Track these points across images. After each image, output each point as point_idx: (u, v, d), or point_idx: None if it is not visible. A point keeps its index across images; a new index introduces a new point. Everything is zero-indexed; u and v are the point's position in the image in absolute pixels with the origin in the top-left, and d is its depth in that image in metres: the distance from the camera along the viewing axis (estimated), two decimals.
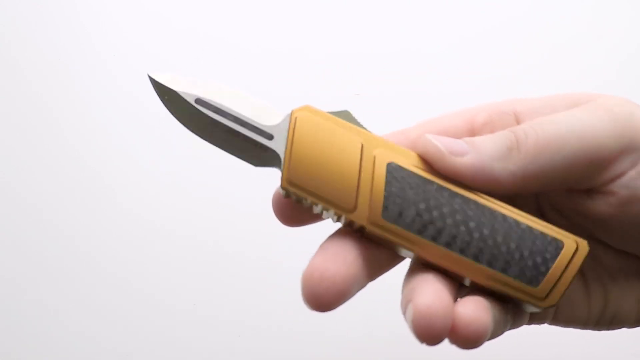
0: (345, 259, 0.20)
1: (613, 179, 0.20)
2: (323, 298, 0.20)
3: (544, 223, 0.20)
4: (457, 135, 0.24)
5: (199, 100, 0.22)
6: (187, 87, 0.22)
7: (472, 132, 0.24)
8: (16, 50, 0.60)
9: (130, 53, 0.59)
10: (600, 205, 0.21)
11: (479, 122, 0.24)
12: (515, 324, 0.22)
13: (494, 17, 0.59)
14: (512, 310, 0.21)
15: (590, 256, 0.22)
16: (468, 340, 0.19)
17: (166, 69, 0.61)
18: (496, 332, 0.20)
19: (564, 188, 0.22)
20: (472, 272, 0.20)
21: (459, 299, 0.20)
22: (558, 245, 0.20)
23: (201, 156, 0.55)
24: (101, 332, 0.53)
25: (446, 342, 0.20)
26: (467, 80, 0.57)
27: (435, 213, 0.20)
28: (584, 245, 0.20)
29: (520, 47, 0.58)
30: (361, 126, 0.21)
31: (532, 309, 0.20)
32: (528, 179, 0.20)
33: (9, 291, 0.54)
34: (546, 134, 0.20)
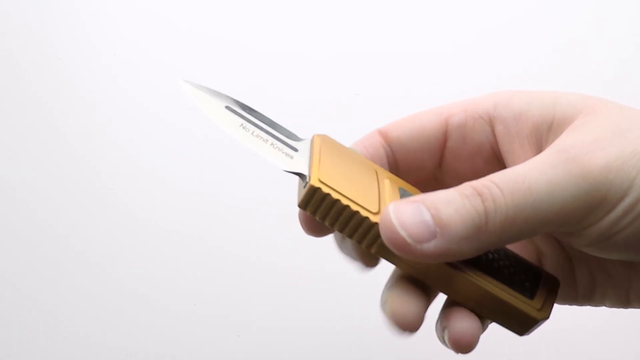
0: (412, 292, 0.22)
1: (579, 229, 0.21)
2: (409, 326, 0.22)
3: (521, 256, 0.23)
4: (432, 137, 0.25)
5: (228, 107, 0.23)
6: (217, 97, 0.24)
7: (445, 133, 0.25)
8: (16, 50, 0.60)
9: (130, 53, 0.59)
10: (569, 240, 0.22)
11: (453, 125, 0.25)
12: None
13: (495, 17, 0.59)
14: (484, 323, 0.23)
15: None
16: (463, 349, 0.21)
17: (170, 71, 0.61)
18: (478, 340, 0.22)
19: None
20: (481, 281, 0.21)
21: (450, 314, 0.22)
22: (539, 271, 0.23)
23: (201, 156, 0.55)
24: (102, 332, 0.53)
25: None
26: (467, 80, 0.57)
27: None
28: (556, 279, 0.23)
29: (521, 47, 0.58)
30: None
31: (516, 324, 0.22)
32: (491, 248, 0.21)
33: (10, 291, 0.54)
34: (516, 206, 0.19)
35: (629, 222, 0.20)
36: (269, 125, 0.23)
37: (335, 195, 0.20)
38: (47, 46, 0.59)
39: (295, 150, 0.22)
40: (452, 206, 0.19)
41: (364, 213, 0.20)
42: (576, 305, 0.25)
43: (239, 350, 0.52)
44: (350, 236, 0.21)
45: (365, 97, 0.57)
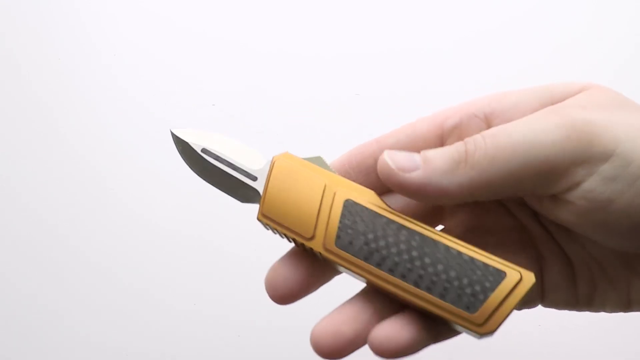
0: (296, 267, 0.24)
1: (568, 189, 0.20)
2: (277, 294, 0.24)
3: (491, 256, 0.22)
4: (427, 141, 0.25)
5: (204, 150, 0.27)
6: (197, 140, 0.27)
7: (442, 137, 0.25)
8: (17, 50, 0.60)
9: (130, 53, 0.59)
10: (563, 212, 0.21)
11: (448, 127, 0.25)
12: (443, 338, 0.23)
13: (495, 17, 0.59)
14: (438, 327, 0.22)
15: (577, 244, 0.23)
16: (382, 356, 0.21)
17: (170, 71, 0.61)
18: (416, 347, 0.22)
19: (520, 195, 0.22)
20: (411, 295, 0.22)
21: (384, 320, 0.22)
22: (500, 276, 0.21)
23: None
24: (101, 332, 0.53)
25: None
26: (467, 80, 0.57)
27: (381, 242, 0.22)
28: (529, 277, 0.21)
29: (521, 47, 0.58)
30: (331, 170, 0.25)
31: (468, 332, 0.22)
32: (476, 189, 0.21)
33: (10, 291, 0.54)
34: (495, 145, 0.20)
35: (620, 191, 0.19)
36: (235, 155, 0.26)
37: (274, 226, 0.24)
38: (47, 46, 0.60)
39: (255, 179, 0.26)
40: (439, 149, 0.22)
41: (299, 239, 0.23)
42: (575, 310, 0.25)
43: (239, 350, 0.52)
44: (302, 249, 0.24)
45: (365, 97, 0.57)
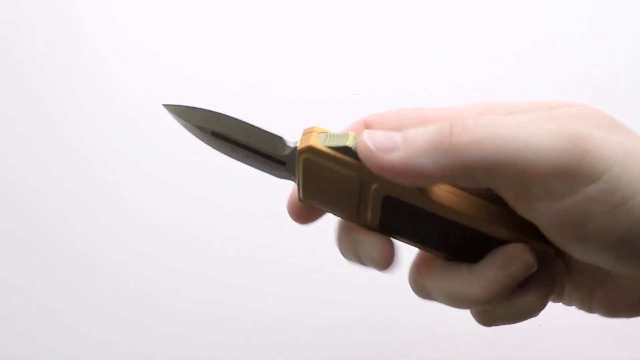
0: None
1: (544, 199, 0.20)
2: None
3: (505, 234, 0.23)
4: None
5: (215, 133, 0.24)
6: (202, 121, 0.25)
7: None
8: (16, 50, 0.60)
9: (130, 53, 0.59)
10: (537, 219, 0.21)
11: None
12: None
13: (494, 18, 0.59)
14: None
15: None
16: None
17: (170, 71, 0.61)
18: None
19: (497, 189, 0.22)
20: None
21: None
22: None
23: (201, 156, 0.55)
24: (101, 332, 0.53)
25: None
26: (467, 81, 0.57)
27: (421, 229, 0.24)
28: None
29: (520, 48, 0.58)
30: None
31: None
32: (457, 173, 0.20)
33: (9, 291, 0.54)
34: (486, 133, 0.19)
35: (597, 215, 0.19)
36: (254, 141, 0.24)
37: (319, 206, 0.24)
38: (47, 46, 0.59)
39: (284, 164, 0.24)
40: (421, 128, 0.20)
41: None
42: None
43: (239, 350, 0.52)
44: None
45: (365, 97, 0.57)
